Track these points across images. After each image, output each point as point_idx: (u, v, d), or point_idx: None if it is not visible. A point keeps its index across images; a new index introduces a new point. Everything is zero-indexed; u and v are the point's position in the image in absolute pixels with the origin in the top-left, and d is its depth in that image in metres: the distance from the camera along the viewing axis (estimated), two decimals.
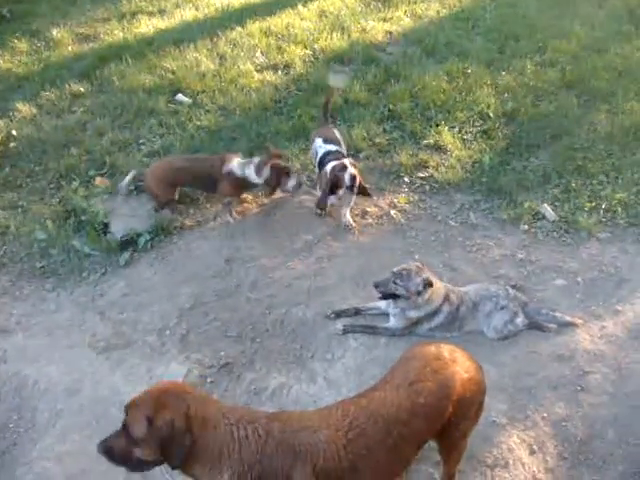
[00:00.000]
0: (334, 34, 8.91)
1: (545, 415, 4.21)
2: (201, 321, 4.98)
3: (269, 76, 8.06)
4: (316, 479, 2.76)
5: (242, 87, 7.84)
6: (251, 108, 7.46)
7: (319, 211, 5.91)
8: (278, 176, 5.75)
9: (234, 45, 8.75)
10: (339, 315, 4.96)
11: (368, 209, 6.07)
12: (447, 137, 6.88)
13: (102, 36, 9.22)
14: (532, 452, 4.00)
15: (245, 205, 6.14)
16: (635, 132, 6.95)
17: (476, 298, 4.85)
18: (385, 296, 4.77)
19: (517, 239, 5.75)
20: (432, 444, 3.42)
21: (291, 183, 5.83)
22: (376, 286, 4.73)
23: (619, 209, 6.00)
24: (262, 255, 5.58)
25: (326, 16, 9.60)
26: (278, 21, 9.36)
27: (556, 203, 6.11)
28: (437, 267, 5.30)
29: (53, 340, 4.87)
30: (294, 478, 2.75)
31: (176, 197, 6.06)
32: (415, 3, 10.00)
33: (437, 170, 6.50)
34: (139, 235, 5.71)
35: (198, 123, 7.23)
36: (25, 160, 6.75)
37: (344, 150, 6.04)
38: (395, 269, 4.67)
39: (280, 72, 8.20)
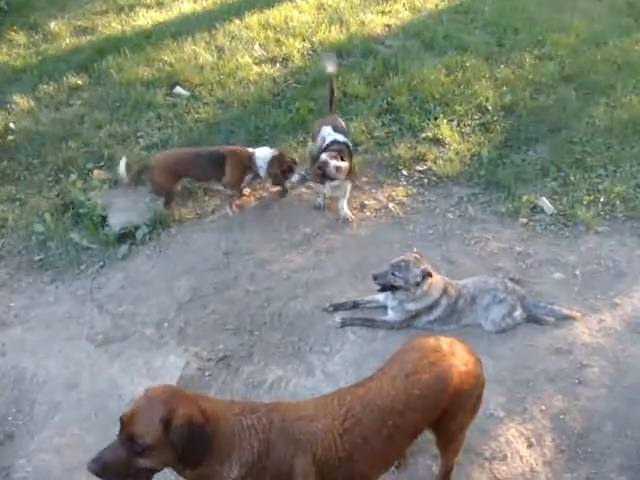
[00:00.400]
0: (332, 27, 8.90)
1: (543, 408, 4.22)
2: (199, 314, 4.98)
3: (267, 69, 8.05)
4: (315, 468, 2.76)
5: (240, 80, 7.83)
6: (249, 101, 7.45)
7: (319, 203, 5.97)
8: (282, 169, 5.78)
9: (232, 38, 8.73)
10: (337, 308, 4.96)
11: (366, 202, 6.07)
12: (445, 130, 6.87)
13: (100, 29, 9.19)
14: (530, 445, 4.00)
15: (244, 198, 6.14)
16: (634, 125, 6.95)
17: (474, 291, 4.85)
18: (384, 288, 4.77)
19: (515, 232, 5.75)
20: (430, 436, 3.42)
21: (295, 177, 5.85)
22: (375, 278, 4.74)
23: (617, 202, 5.99)
24: (260, 248, 5.58)
25: (324, 9, 9.59)
26: (276, 14, 9.33)
27: (554, 196, 6.11)
28: (435, 260, 5.29)
29: (51, 333, 4.86)
30: (296, 467, 2.74)
31: (178, 189, 6.05)
32: None
33: (435, 163, 6.49)
34: (137, 228, 5.71)
35: (196, 116, 7.22)
36: (23, 153, 6.73)
37: (349, 141, 6.04)
38: (394, 261, 4.67)
39: (278, 65, 8.19)
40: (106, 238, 5.63)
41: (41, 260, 5.55)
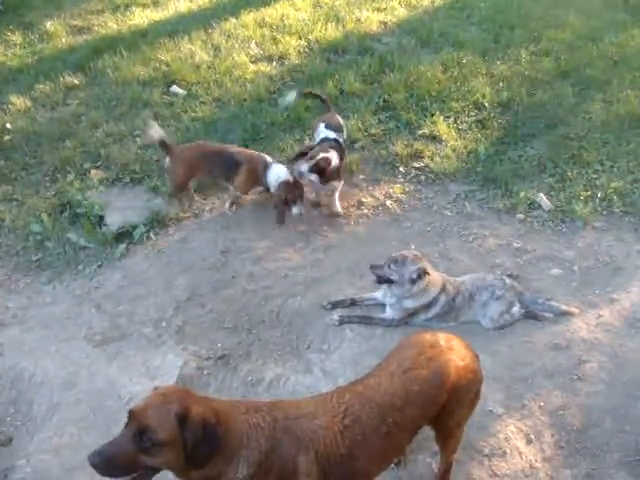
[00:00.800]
0: (329, 25, 8.89)
1: (542, 404, 4.22)
2: (197, 313, 4.98)
3: (264, 67, 8.05)
4: (317, 465, 2.76)
5: (237, 78, 7.82)
6: (246, 99, 7.44)
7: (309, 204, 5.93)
8: (287, 197, 5.64)
9: (228, 36, 8.72)
10: (335, 306, 4.96)
11: (363, 199, 6.07)
12: (442, 127, 6.87)
13: (96, 28, 9.17)
14: (529, 441, 4.01)
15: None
16: (630, 121, 6.95)
17: (472, 288, 4.86)
18: (380, 280, 4.79)
19: (513, 228, 5.76)
20: (430, 433, 3.42)
21: (294, 211, 5.69)
22: (372, 268, 4.77)
23: (614, 198, 6.00)
24: (258, 246, 5.57)
25: (320, 6, 9.58)
26: (272, 12, 9.33)
27: (552, 192, 6.12)
28: (433, 257, 5.30)
29: (49, 333, 4.85)
30: (300, 465, 2.74)
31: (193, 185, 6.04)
32: None
33: (432, 160, 6.49)
34: (135, 227, 5.71)
35: (193, 114, 7.21)
36: (20, 153, 6.72)
37: (343, 138, 6.03)
38: (393, 254, 4.69)
39: (275, 63, 8.18)
40: (104, 237, 5.62)
41: (38, 260, 5.54)
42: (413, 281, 4.63)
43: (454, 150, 6.62)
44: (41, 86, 7.77)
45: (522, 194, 6.04)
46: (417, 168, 6.45)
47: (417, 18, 9.30)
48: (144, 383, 4.34)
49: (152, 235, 5.71)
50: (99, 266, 5.46)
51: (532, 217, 5.88)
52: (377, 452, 2.95)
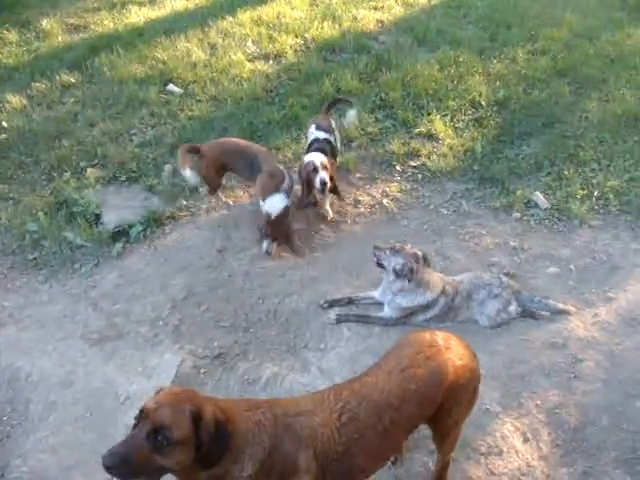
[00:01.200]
0: (325, 23, 8.90)
1: (538, 403, 4.22)
2: (194, 311, 4.97)
3: (260, 66, 8.04)
4: (316, 463, 2.76)
5: (233, 77, 7.82)
6: (243, 98, 7.44)
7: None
8: (265, 229, 5.43)
9: (225, 35, 8.72)
10: (332, 305, 4.96)
11: (360, 198, 6.07)
12: (439, 125, 6.88)
13: (92, 26, 9.17)
14: (526, 440, 4.00)
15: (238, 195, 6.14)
16: (627, 119, 6.97)
17: (470, 287, 4.87)
18: (377, 263, 4.84)
19: (510, 227, 5.76)
20: (427, 432, 3.42)
21: (264, 246, 5.44)
22: (375, 247, 4.83)
23: (611, 196, 6.01)
24: (255, 245, 5.56)
25: (317, 5, 9.59)
26: (269, 10, 9.32)
27: (548, 191, 6.12)
28: (430, 256, 5.28)
29: (46, 332, 4.84)
30: (300, 462, 2.73)
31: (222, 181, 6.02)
32: None
33: (429, 159, 6.50)
34: (131, 226, 5.70)
35: (190, 113, 7.21)
36: (16, 151, 6.71)
37: (334, 139, 6.01)
38: (397, 243, 4.79)
39: (271, 61, 8.18)
40: (100, 236, 5.61)
41: (35, 259, 5.53)
42: (396, 273, 4.65)
43: (451, 148, 6.63)
44: (37, 84, 7.76)
45: (519, 192, 6.04)
46: (414, 167, 6.46)
47: (414, 16, 9.31)
48: (141, 382, 4.34)
49: (149, 234, 5.70)
50: (95, 265, 5.45)
51: (529, 216, 5.88)
52: (374, 449, 2.95)
